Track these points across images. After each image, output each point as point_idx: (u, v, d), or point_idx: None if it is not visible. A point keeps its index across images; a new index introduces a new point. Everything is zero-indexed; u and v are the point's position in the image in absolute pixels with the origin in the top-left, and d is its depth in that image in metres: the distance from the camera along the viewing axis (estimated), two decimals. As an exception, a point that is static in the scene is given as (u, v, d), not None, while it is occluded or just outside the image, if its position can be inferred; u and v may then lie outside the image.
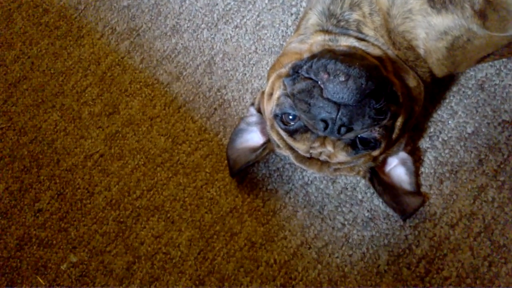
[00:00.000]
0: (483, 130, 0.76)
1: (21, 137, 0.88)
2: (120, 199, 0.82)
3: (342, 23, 0.67)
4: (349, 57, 0.60)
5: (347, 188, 0.77)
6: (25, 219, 0.82)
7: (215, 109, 0.86)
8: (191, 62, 0.90)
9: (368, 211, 0.75)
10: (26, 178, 0.85)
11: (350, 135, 0.63)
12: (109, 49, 0.93)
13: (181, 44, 0.91)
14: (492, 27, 0.61)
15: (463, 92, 0.78)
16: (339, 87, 0.57)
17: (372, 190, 0.74)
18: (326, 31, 0.68)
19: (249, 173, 0.80)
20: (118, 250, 0.79)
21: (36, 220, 0.82)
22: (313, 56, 0.62)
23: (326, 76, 0.58)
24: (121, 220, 0.81)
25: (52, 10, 0.97)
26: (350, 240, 0.74)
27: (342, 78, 0.57)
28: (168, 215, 0.80)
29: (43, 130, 0.88)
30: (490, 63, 0.78)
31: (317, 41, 0.67)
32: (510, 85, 0.77)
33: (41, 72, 0.92)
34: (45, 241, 0.81)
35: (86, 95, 0.90)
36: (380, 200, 0.73)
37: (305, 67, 0.61)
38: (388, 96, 0.61)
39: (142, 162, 0.83)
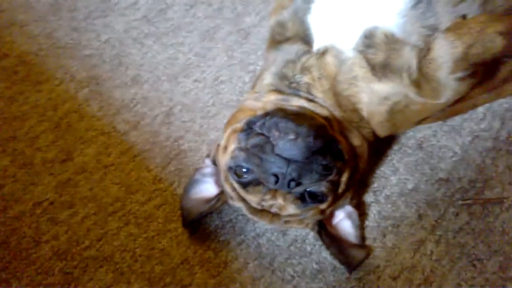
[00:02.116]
0: (422, 186, 0.82)
1: (-34, 182, 0.85)
2: (68, 249, 0.79)
3: (293, 85, 0.73)
4: (299, 117, 0.64)
5: (297, 240, 0.79)
6: (-37, 268, 0.78)
7: (171, 159, 0.87)
8: (149, 112, 0.92)
9: (316, 263, 0.77)
10: (-32, 225, 0.81)
11: (299, 189, 0.66)
12: (67, 96, 0.93)
13: (141, 94, 0.93)
14: (426, 95, 0.67)
15: (404, 150, 0.85)
16: (288, 145, 0.61)
17: (320, 242, 0.76)
18: (279, 91, 0.73)
19: (202, 224, 0.81)
20: (62, 302, 0.76)
21: (-24, 270, 0.78)
22: (266, 114, 0.66)
23: (277, 133, 0.62)
24: (68, 271, 0.78)
25: (11, 55, 0.98)
26: (299, 293, 0.75)
27: (292, 136, 0.61)
28: (117, 266, 0.78)
29: (-9, 175, 0.86)
30: (428, 125, 0.85)
31: (271, 100, 0.72)
32: (445, 145, 0.85)
33: (-6, 116, 0.91)
34: (-17, 293, 0.77)
35: (40, 141, 0.89)
36: (328, 252, 0.76)
37: (258, 123, 0.65)
38: (334, 154, 0.66)
39: (93, 211, 0.82)
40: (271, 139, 0.63)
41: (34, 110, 0.92)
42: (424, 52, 0.65)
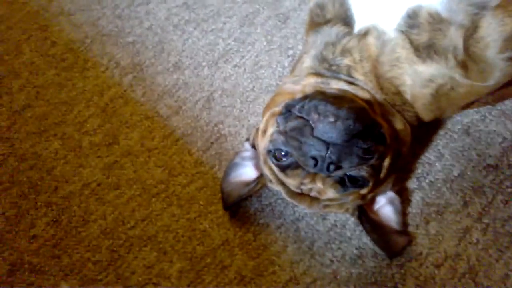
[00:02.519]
0: (469, 173, 0.78)
1: (21, 164, 0.90)
2: (114, 228, 0.83)
3: (333, 68, 0.71)
4: (338, 100, 0.63)
5: (336, 225, 0.78)
6: (19, 244, 0.83)
7: (212, 143, 0.88)
8: (190, 97, 0.93)
9: (356, 248, 0.76)
10: (24, 204, 0.86)
11: (339, 173, 0.65)
12: (112, 82, 0.96)
13: (182, 80, 0.95)
14: (473, 77, 0.64)
15: (450, 136, 0.81)
16: (328, 127, 0.60)
17: (360, 228, 0.75)
18: (318, 74, 0.72)
19: (241, 207, 0.82)
20: (109, 279, 0.80)
21: (30, 246, 0.83)
22: (305, 97, 0.66)
23: (316, 116, 0.62)
24: (114, 249, 0.82)
25: (59, 43, 1.02)
26: (338, 277, 0.75)
27: (331, 119, 0.60)
28: (161, 246, 0.81)
29: (43, 158, 0.90)
30: (476, 109, 0.81)
31: (310, 83, 0.71)
32: (494, 131, 0.81)
33: (45, 101, 0.96)
34: (37, 267, 0.81)
35: (88, 125, 0.93)
36: (368, 238, 0.75)
37: (297, 106, 0.65)
38: (376, 137, 0.64)
39: (138, 193, 0.85)
40: (310, 122, 0.62)
41: (81, 96, 0.95)
42: (471, 30, 0.62)
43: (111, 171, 0.88)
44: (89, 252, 0.82)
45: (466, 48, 0.63)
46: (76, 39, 1.02)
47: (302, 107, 0.64)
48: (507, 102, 0.82)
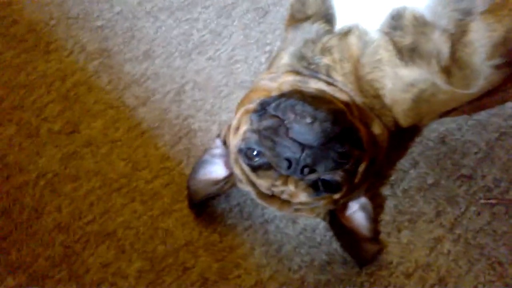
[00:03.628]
0: (443, 182, 0.78)
1: (-30, 149, 0.83)
2: (70, 222, 0.78)
3: (312, 66, 0.69)
4: (317, 100, 0.60)
5: (306, 230, 0.76)
6: (-36, 235, 0.77)
7: (180, 137, 0.84)
8: (160, 89, 0.89)
9: (326, 254, 0.74)
10: (-30, 192, 0.80)
11: (313, 176, 0.63)
12: (76, 67, 0.91)
13: (152, 69, 0.90)
14: (456, 84, 0.63)
15: (425, 143, 0.80)
16: (304, 129, 0.58)
17: (331, 233, 0.73)
18: (296, 72, 0.69)
19: (208, 206, 0.78)
20: (61, 276, 0.74)
21: (-25, 239, 0.77)
22: (282, 95, 0.63)
23: (293, 116, 0.59)
24: (69, 244, 0.76)
25: (21, 22, 0.95)
26: (305, 283, 0.72)
27: (308, 120, 0.57)
28: (120, 243, 0.76)
29: (-4, 144, 0.84)
30: (453, 118, 0.81)
31: (287, 81, 0.68)
32: (470, 140, 0.80)
33: (1, 83, 0.89)
34: (-19, 261, 0.75)
35: (47, 111, 0.87)
36: (339, 244, 0.73)
37: (273, 104, 0.62)
38: (353, 141, 0.62)
39: (98, 186, 0.80)
40: (285, 122, 0.59)
41: (42, 80, 0.89)
42: (458, 35, 0.61)
43: (69, 162, 0.82)
44: (41, 246, 0.76)
45: (452, 52, 0.62)
46: (39, 19, 0.95)
47: (278, 105, 0.60)
48: (483, 112, 0.81)
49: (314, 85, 0.67)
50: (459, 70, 0.62)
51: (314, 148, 0.58)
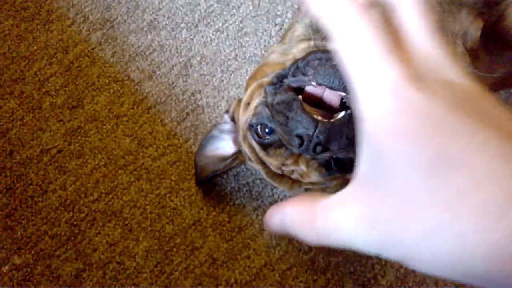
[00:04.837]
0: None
1: (-29, 122, 0.81)
2: (76, 200, 0.76)
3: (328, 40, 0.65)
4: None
5: (317, 210, 0.74)
6: (-33, 212, 0.75)
7: (188, 113, 0.81)
8: (166, 62, 0.85)
9: (336, 235, 0.73)
10: (-27, 168, 0.78)
11: (325, 155, 0.59)
12: (79, 38, 0.87)
13: (157, 41, 0.86)
14: (480, 68, 0.59)
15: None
16: (331, 71, 0.52)
17: (342, 214, 0.71)
18: (311, 41, 0.65)
19: (217, 185, 0.76)
20: (68, 255, 0.73)
21: (-21, 215, 0.75)
22: (296, 60, 0.58)
23: (317, 62, 0.53)
24: (75, 223, 0.75)
25: (20, -11, 0.90)
26: (315, 265, 0.71)
27: (334, 62, 0.53)
28: (126, 222, 0.75)
29: (-2, 117, 0.81)
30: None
31: (301, 49, 0.64)
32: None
33: (1, 54, 0.85)
34: (-13, 239, 0.74)
35: (49, 84, 0.83)
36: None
37: (290, 71, 0.57)
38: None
39: (103, 163, 0.78)
40: (308, 74, 0.54)
41: (43, 51, 0.86)
42: (494, 18, 0.56)
43: (73, 137, 0.80)
44: (46, 224, 0.75)
45: (494, 35, 0.57)
46: (39, -14, 0.91)
47: (297, 68, 0.55)
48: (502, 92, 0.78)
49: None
50: (488, 55, 0.58)
51: (327, 125, 0.54)
